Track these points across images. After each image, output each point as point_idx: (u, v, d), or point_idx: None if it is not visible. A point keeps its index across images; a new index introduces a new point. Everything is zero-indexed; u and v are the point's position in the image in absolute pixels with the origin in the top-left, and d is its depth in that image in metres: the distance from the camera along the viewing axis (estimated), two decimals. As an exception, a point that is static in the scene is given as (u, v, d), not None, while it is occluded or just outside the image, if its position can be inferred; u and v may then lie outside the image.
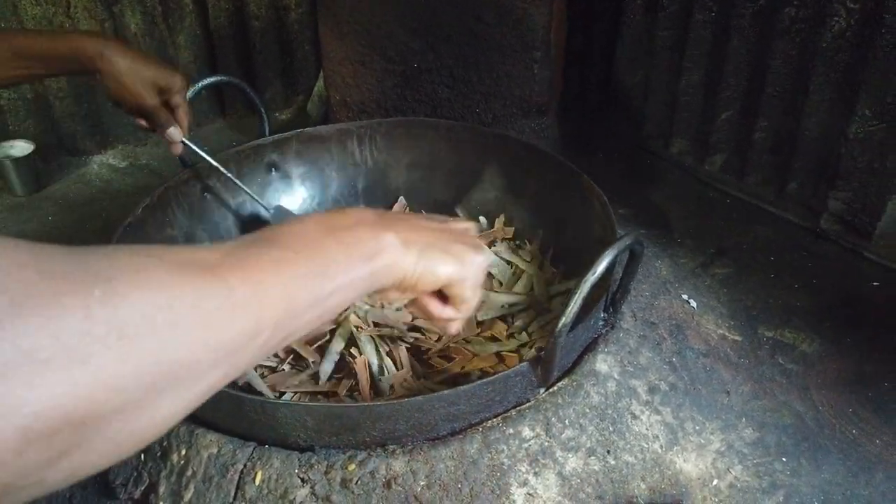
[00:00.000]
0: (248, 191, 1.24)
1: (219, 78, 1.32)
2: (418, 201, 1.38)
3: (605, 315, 0.98)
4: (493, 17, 1.40)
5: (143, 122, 1.12)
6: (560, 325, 0.79)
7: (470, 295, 0.63)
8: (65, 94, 1.76)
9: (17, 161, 1.66)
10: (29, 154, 1.68)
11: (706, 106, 1.60)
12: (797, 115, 1.42)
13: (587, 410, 0.88)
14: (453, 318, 0.65)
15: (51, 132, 1.79)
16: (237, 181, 1.22)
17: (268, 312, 0.43)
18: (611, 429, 0.87)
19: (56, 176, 1.77)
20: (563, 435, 0.85)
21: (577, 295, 0.78)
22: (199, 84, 1.26)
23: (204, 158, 1.19)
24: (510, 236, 1.28)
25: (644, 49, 1.68)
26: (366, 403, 0.82)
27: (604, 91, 1.80)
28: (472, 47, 1.44)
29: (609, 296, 0.97)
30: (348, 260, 0.51)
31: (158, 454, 0.90)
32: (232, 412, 0.85)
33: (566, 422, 0.86)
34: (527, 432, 0.85)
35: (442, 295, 0.63)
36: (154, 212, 1.17)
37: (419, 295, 0.61)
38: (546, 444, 0.84)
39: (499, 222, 1.31)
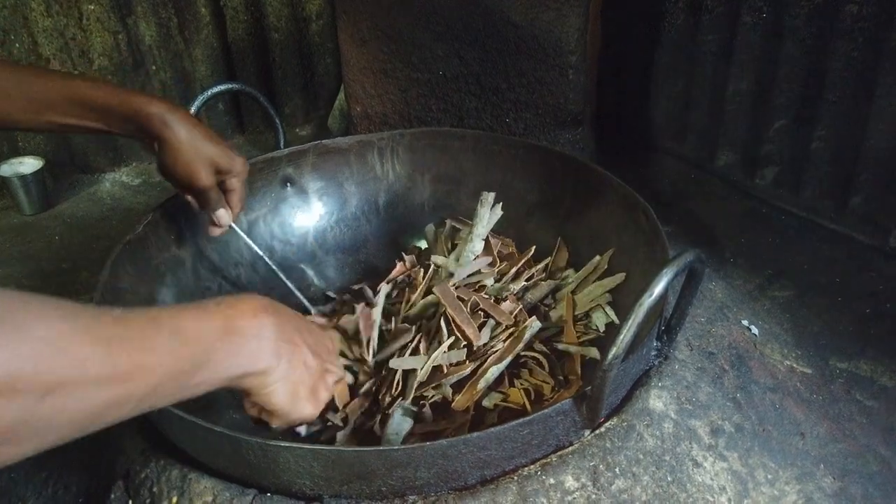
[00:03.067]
0: (293, 287, 1.12)
1: (229, 86, 1.22)
2: (444, 217, 1.27)
3: (658, 344, 0.86)
4: (523, 18, 1.29)
5: (191, 199, 1.02)
6: (610, 355, 0.67)
7: (273, 423, 0.72)
8: (77, 109, 1.69)
9: (25, 178, 1.59)
10: (38, 171, 1.61)
11: (756, 115, 1.48)
12: (861, 122, 1.29)
13: (641, 456, 0.75)
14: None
15: (62, 149, 1.73)
16: (282, 275, 1.11)
17: (139, 390, 0.50)
18: (669, 478, 0.74)
19: (66, 194, 1.70)
20: (614, 486, 0.72)
21: (630, 320, 0.66)
22: (209, 92, 1.17)
23: (250, 247, 1.11)
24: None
25: (686, 55, 1.56)
26: (381, 448, 0.70)
27: (642, 101, 1.68)
28: (502, 52, 1.33)
29: (662, 322, 0.85)
30: (227, 361, 0.60)
31: (148, 501, 0.79)
32: (230, 455, 0.74)
33: (616, 470, 0.73)
34: (570, 482, 0.72)
35: None
36: (157, 229, 1.08)
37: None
38: (593, 496, 0.72)
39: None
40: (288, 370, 0.68)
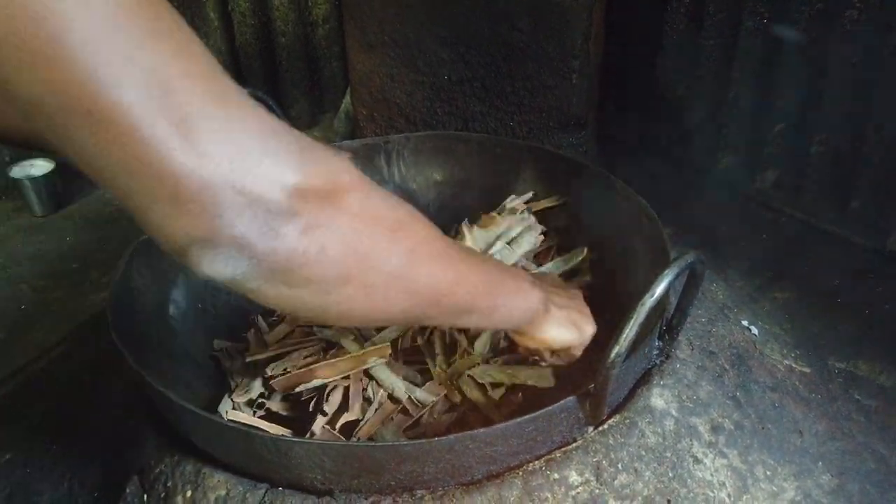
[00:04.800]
0: None
1: (239, 89, 1.25)
2: (449, 219, 1.29)
3: (660, 343, 0.88)
4: (528, 24, 1.31)
5: None
6: (613, 353, 0.69)
7: (576, 354, 0.84)
8: (87, 112, 1.72)
9: (36, 180, 1.62)
10: (49, 173, 1.64)
11: (757, 119, 1.49)
12: (860, 126, 1.31)
13: (643, 453, 0.77)
14: (556, 364, 0.88)
15: (72, 151, 1.75)
16: None
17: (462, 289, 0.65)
18: (670, 474, 0.76)
19: (76, 195, 1.73)
20: (616, 481, 0.74)
21: (632, 319, 0.68)
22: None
23: None
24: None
25: (688, 60, 1.58)
26: (390, 443, 0.72)
27: (644, 105, 1.70)
28: (506, 57, 1.36)
29: (664, 321, 0.87)
30: (515, 295, 0.73)
31: (162, 495, 0.81)
32: (242, 450, 0.76)
33: (619, 466, 0.75)
34: (574, 477, 0.74)
35: None
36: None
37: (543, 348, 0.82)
38: (597, 491, 0.74)
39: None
40: (555, 304, 0.79)
